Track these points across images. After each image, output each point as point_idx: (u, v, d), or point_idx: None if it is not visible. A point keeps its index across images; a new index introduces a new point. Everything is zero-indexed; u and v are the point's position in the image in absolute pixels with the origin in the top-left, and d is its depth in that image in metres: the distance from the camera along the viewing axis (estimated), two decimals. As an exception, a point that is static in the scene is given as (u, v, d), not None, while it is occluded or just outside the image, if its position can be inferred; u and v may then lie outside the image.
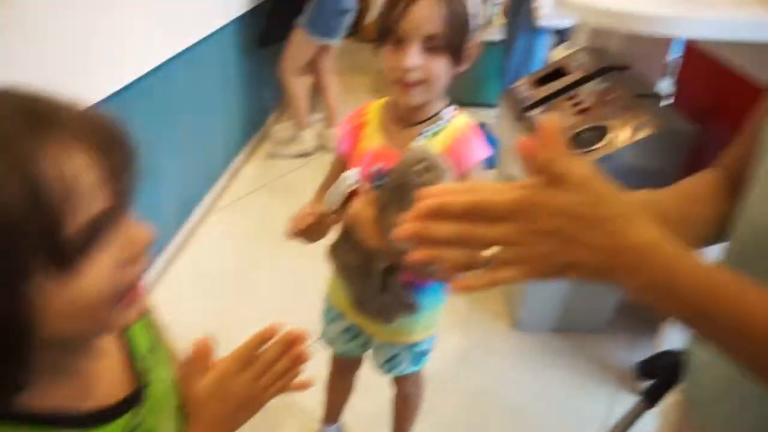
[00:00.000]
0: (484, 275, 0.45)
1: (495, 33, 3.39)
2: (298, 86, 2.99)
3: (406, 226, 0.46)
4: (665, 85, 1.77)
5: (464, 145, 1.00)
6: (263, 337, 0.62)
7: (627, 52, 2.02)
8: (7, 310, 0.38)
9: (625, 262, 0.42)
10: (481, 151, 1.01)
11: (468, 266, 0.49)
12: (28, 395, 0.44)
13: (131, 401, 0.54)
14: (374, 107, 1.07)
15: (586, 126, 1.75)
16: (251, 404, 0.62)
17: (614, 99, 1.79)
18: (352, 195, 0.98)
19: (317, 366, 1.38)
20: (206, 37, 2.44)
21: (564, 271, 0.43)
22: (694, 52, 1.69)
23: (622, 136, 1.62)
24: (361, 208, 0.96)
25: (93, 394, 0.51)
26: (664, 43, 1.76)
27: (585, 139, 1.71)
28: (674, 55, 1.73)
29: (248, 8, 2.93)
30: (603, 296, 1.97)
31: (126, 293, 0.45)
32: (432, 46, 0.92)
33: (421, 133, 1.00)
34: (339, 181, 0.98)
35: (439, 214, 0.44)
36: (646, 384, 0.90)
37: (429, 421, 1.51)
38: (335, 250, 1.07)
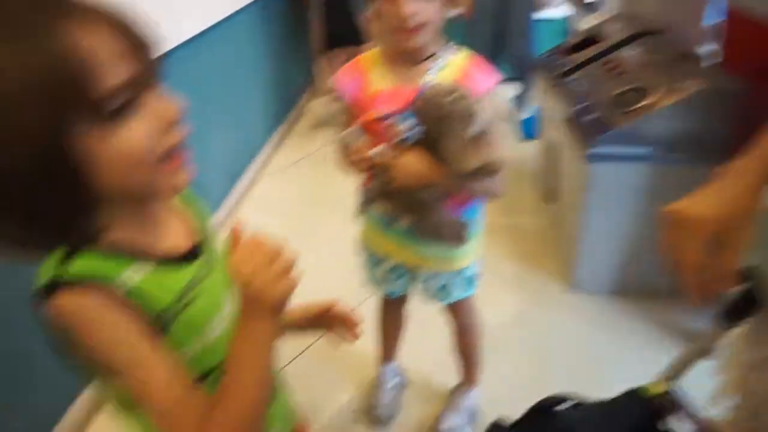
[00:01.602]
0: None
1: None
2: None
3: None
4: (704, 50, 1.78)
5: (472, 76, 1.07)
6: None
7: (661, 18, 2.07)
8: (59, 160, 0.47)
9: None
10: (488, 79, 1.09)
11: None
12: (112, 234, 0.55)
13: (193, 256, 0.64)
14: (369, 56, 1.12)
15: (625, 87, 1.82)
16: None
17: (652, 62, 1.86)
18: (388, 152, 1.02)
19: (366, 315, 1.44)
20: (240, 9, 2.54)
21: None
22: (737, 14, 1.70)
23: (665, 95, 1.68)
24: (410, 158, 1.01)
25: (163, 243, 0.61)
26: (699, 7, 1.81)
27: (625, 99, 1.78)
28: (711, 20, 1.77)
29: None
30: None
31: (168, 159, 0.53)
32: None
33: (429, 69, 1.07)
34: (350, 134, 1.05)
35: None
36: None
37: (488, 372, 1.54)
38: (385, 196, 1.10)
